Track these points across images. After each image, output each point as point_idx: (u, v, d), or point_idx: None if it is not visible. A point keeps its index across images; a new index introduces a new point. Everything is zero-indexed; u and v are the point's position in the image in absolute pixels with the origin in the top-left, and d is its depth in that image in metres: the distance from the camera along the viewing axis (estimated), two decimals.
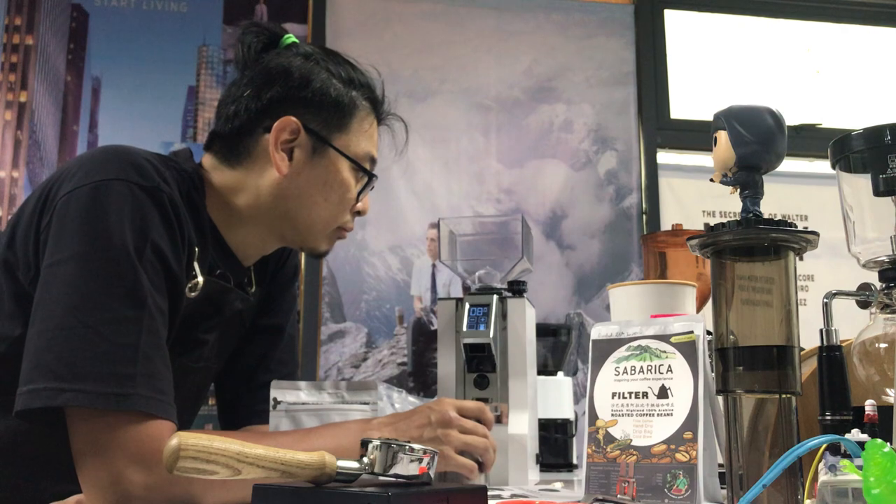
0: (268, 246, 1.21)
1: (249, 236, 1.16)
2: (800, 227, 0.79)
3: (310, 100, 1.13)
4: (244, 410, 1.28)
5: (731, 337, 0.80)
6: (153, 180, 0.99)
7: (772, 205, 2.93)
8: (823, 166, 3.09)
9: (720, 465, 0.95)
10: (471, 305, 1.33)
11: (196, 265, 1.06)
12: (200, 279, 1.06)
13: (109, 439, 0.89)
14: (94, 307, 0.91)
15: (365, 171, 1.18)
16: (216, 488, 0.93)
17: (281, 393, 1.15)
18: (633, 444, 0.96)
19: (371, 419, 1.13)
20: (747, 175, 0.82)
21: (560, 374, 1.78)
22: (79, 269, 0.93)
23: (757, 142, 0.81)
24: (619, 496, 0.94)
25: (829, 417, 0.98)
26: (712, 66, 3.29)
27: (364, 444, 0.78)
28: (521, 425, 1.30)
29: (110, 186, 0.96)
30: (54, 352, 0.89)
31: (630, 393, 1.00)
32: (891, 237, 0.91)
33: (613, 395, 1.01)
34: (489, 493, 0.84)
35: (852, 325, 1.02)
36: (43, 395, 0.88)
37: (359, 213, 1.21)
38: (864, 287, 0.97)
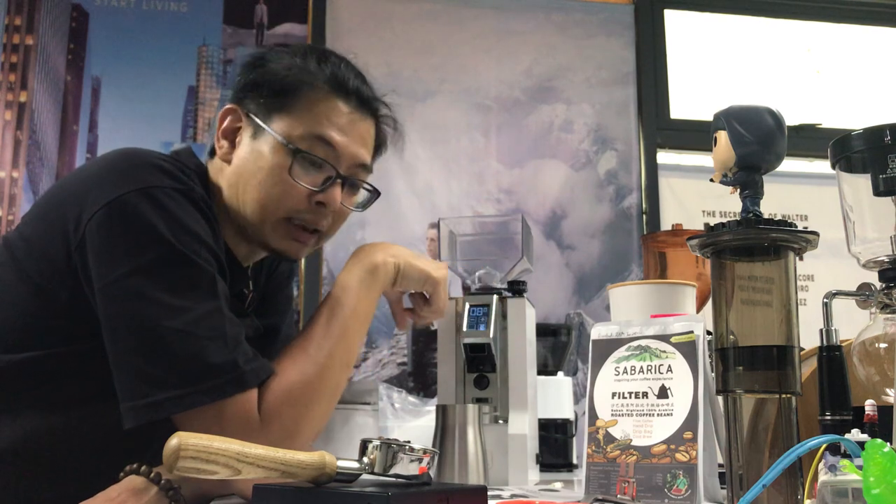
0: (247, 248, 1.18)
1: (235, 238, 1.16)
2: (800, 227, 0.79)
3: (255, 84, 1.14)
4: None
5: (731, 337, 0.80)
6: (185, 182, 1.02)
7: (772, 205, 2.93)
8: (823, 166, 3.09)
9: (720, 465, 0.95)
10: (471, 305, 1.33)
11: None
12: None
13: (226, 422, 0.94)
14: (175, 312, 0.94)
15: (298, 150, 1.09)
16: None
17: None
18: (633, 444, 0.96)
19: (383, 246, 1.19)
20: (747, 175, 0.82)
21: (560, 374, 1.78)
22: (146, 280, 0.95)
23: (757, 142, 0.81)
24: (619, 496, 0.94)
25: (829, 417, 0.98)
26: (712, 66, 3.29)
27: (364, 444, 0.78)
28: (521, 425, 1.30)
29: (149, 193, 0.98)
30: (158, 364, 0.94)
31: (630, 393, 1.00)
32: (891, 237, 0.91)
33: (613, 395, 1.01)
34: (489, 493, 0.84)
35: (852, 325, 1.02)
36: (167, 405, 0.93)
37: (321, 204, 1.12)
38: (864, 287, 0.97)
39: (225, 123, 1.15)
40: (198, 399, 0.93)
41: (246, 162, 1.12)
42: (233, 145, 1.14)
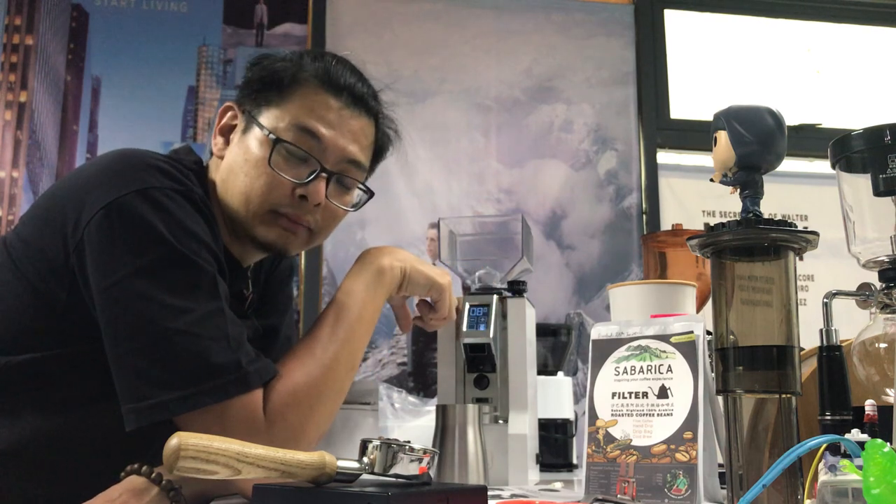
0: (241, 246, 1.17)
1: (230, 236, 1.16)
2: (800, 227, 0.79)
3: (250, 80, 1.16)
4: None
5: (731, 337, 0.80)
6: (183, 183, 1.02)
7: (772, 205, 2.93)
8: (823, 166, 3.09)
9: (720, 465, 0.95)
10: (471, 305, 1.33)
11: None
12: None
13: (230, 423, 0.94)
14: (177, 313, 0.94)
15: (279, 140, 1.09)
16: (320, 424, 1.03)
17: None
18: (633, 444, 0.96)
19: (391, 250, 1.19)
20: (747, 175, 0.82)
21: (560, 374, 1.78)
22: (147, 281, 0.95)
23: (757, 142, 0.81)
24: (619, 496, 0.94)
25: (829, 417, 0.98)
26: (712, 66, 3.29)
27: (364, 444, 0.78)
28: (521, 425, 1.30)
29: (148, 195, 0.98)
30: (160, 365, 0.93)
31: (630, 393, 1.00)
32: (891, 237, 0.91)
33: (613, 395, 1.01)
34: (489, 493, 0.84)
35: (852, 325, 1.02)
36: (170, 406, 0.92)
37: (304, 197, 1.10)
38: (864, 287, 0.97)
39: (223, 120, 1.17)
40: (201, 400, 0.93)
41: (236, 156, 1.13)
42: (227, 142, 1.16)
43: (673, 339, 0.99)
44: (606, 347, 1.04)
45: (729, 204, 3.02)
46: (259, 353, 1.01)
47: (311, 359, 1.04)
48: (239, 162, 1.12)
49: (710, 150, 0.85)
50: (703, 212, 3.12)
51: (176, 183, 1.01)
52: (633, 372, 1.00)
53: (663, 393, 0.97)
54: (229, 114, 1.17)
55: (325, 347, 1.06)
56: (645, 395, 0.98)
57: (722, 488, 0.93)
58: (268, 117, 1.12)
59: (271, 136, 1.10)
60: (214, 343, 0.95)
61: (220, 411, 0.94)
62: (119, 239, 0.96)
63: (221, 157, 1.15)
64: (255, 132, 1.12)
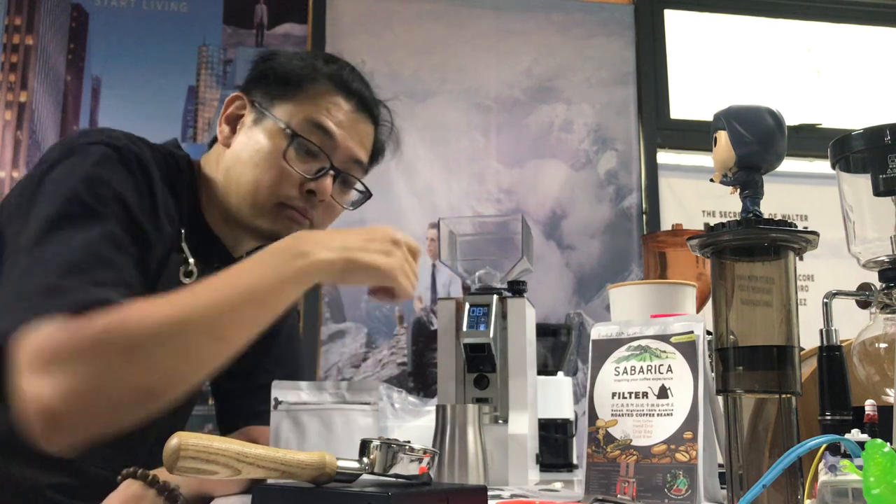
0: (234, 235, 1.17)
1: (224, 224, 1.16)
2: (800, 227, 0.79)
3: (262, 74, 1.18)
4: (242, 412, 1.27)
5: (731, 337, 0.80)
6: (122, 141, 1.02)
7: (772, 205, 2.93)
8: (823, 166, 3.09)
9: (720, 465, 0.95)
10: (471, 305, 1.33)
11: (185, 247, 1.09)
12: (191, 260, 1.08)
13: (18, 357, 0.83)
14: (49, 243, 0.90)
15: (295, 134, 1.11)
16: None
17: (282, 393, 1.15)
18: (633, 444, 0.96)
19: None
20: (747, 175, 0.82)
21: (560, 374, 1.78)
22: (40, 222, 0.93)
23: (757, 142, 0.81)
24: (619, 496, 0.94)
25: (829, 417, 0.98)
26: (712, 66, 3.29)
27: (364, 444, 0.78)
28: (521, 425, 1.30)
29: (78, 149, 1.00)
30: (7, 290, 0.90)
31: (630, 393, 1.00)
32: (891, 237, 0.91)
33: (613, 395, 1.01)
34: (489, 493, 0.84)
35: (852, 325, 1.02)
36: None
37: (311, 192, 1.12)
38: (864, 287, 0.97)
39: (230, 109, 1.18)
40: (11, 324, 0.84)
41: (244, 146, 1.14)
42: (234, 131, 1.17)
43: (673, 339, 0.99)
44: (606, 347, 1.04)
45: (729, 204, 3.02)
46: (115, 283, 0.90)
47: (167, 302, 0.87)
48: (248, 152, 1.13)
49: (710, 150, 0.85)
50: (703, 212, 3.12)
51: (112, 139, 1.02)
52: (633, 372, 1.00)
53: (663, 393, 0.97)
54: (237, 103, 1.19)
55: (189, 300, 0.88)
56: (645, 395, 0.98)
57: (722, 488, 0.93)
58: (281, 111, 1.14)
59: (288, 129, 1.12)
60: (59, 267, 0.88)
61: (16, 344, 0.83)
62: (39, 188, 0.97)
63: (227, 146, 1.16)
64: (268, 124, 1.13)
